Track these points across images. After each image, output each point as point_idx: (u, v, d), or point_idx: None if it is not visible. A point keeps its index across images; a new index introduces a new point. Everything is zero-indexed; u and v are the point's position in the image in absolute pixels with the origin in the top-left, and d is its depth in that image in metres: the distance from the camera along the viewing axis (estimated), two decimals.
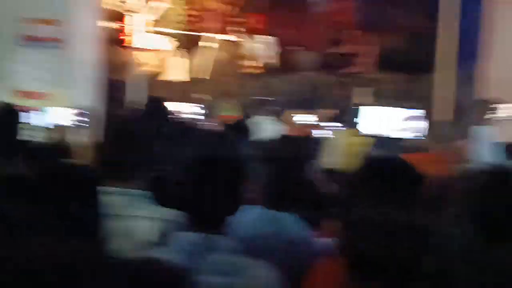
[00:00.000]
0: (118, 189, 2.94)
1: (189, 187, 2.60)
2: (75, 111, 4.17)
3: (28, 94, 8.86)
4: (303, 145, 6.37)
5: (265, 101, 11.77)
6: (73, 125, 4.16)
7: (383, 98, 13.68)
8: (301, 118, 12.56)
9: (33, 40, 8.93)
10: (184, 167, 2.80)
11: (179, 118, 4.91)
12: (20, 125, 3.43)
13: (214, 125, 4.73)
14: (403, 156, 3.49)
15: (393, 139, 9.01)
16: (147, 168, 3.10)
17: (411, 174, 2.64)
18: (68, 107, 8.76)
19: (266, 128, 9.92)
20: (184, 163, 2.86)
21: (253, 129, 9.72)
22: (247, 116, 10.36)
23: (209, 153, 2.86)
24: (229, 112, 13.06)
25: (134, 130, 3.22)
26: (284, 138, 6.29)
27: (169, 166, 3.65)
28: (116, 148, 3.09)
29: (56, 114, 4.27)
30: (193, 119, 4.91)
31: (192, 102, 13.37)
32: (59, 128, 4.24)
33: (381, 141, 8.16)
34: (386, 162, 2.82)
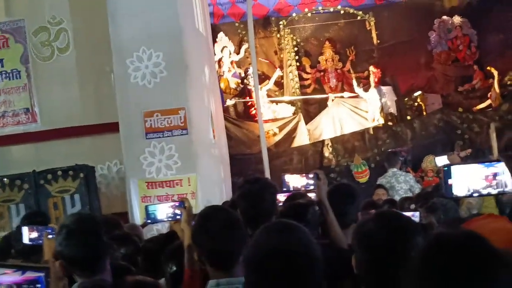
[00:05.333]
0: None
1: None
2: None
3: (158, 184, 9.11)
4: None
5: (397, 153, 11.41)
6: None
7: None
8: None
9: (159, 131, 9.18)
10: None
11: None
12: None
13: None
14: None
15: None
16: None
17: None
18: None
19: (401, 179, 9.62)
20: None
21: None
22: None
23: None
24: (360, 168, 12.83)
25: None
26: None
27: None
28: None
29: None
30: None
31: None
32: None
33: None
34: None
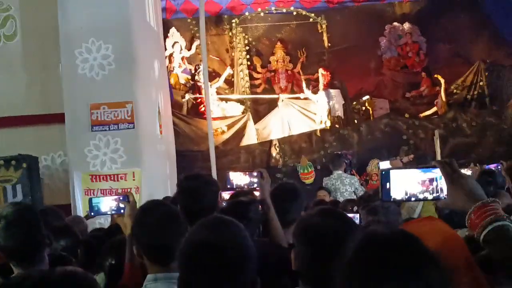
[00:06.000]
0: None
1: None
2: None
3: (102, 177, 9.01)
4: None
5: (341, 155, 11.54)
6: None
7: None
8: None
9: (105, 124, 9.08)
10: None
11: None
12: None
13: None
14: None
15: None
16: None
17: None
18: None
19: (346, 182, 9.74)
20: None
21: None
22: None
23: None
24: (307, 169, 12.91)
25: None
26: None
27: None
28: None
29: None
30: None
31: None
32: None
33: None
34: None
